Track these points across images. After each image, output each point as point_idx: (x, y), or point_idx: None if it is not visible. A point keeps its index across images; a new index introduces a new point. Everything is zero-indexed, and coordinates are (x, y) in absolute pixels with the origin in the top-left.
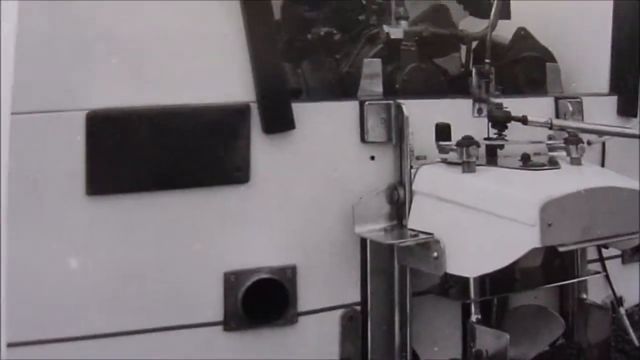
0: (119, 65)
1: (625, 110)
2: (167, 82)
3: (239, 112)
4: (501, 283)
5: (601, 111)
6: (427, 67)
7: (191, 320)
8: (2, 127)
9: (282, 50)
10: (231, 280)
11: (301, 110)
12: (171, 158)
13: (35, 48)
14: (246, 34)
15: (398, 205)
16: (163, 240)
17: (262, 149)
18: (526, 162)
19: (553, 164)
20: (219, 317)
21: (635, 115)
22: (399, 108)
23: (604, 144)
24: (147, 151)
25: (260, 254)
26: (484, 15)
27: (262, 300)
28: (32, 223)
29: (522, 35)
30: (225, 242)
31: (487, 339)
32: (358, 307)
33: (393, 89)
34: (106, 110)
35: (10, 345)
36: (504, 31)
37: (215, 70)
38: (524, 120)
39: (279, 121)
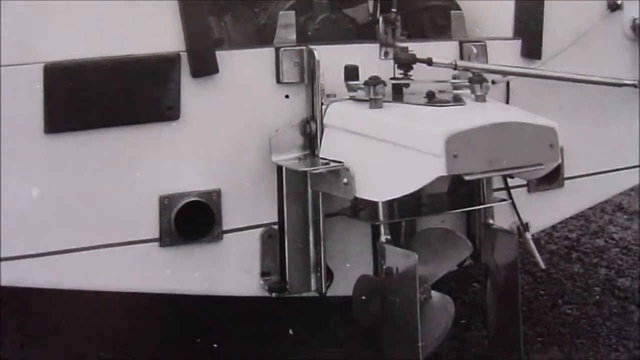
0: (69, 23)
1: (529, 52)
2: (112, 36)
3: (170, 60)
4: (409, 207)
5: (506, 54)
6: (337, 16)
7: (132, 237)
8: None
9: (208, 6)
10: (165, 202)
11: (224, 57)
12: (115, 101)
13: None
14: None
15: (310, 138)
16: (108, 169)
17: (190, 90)
18: (431, 99)
19: (457, 100)
20: (156, 234)
21: (539, 57)
22: (310, 53)
23: (508, 83)
24: (94, 95)
25: (190, 180)
26: None
27: (192, 219)
28: None
29: None
30: (160, 170)
31: (397, 258)
32: (276, 227)
33: (306, 37)
34: (59, 62)
35: None
36: None
37: (151, 24)
38: (428, 62)
39: (204, 67)
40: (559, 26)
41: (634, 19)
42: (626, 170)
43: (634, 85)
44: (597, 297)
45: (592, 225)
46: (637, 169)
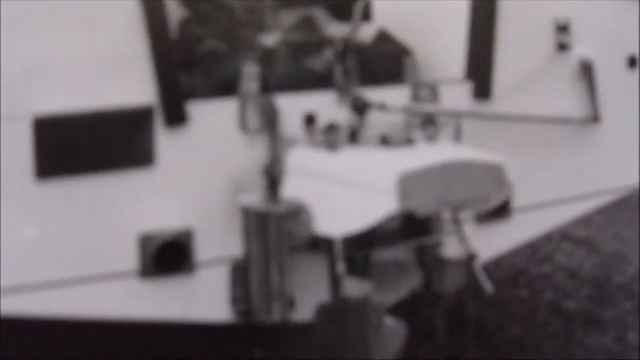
0: (56, 78)
1: (480, 93)
2: (93, 91)
3: (145, 112)
4: (365, 241)
5: (457, 95)
6: (297, 68)
7: (114, 271)
8: None
9: (179, 62)
10: (144, 240)
11: (194, 108)
12: (96, 149)
13: None
14: (150, 52)
15: (273, 180)
16: (92, 211)
17: (164, 139)
18: (385, 141)
19: (410, 142)
20: (136, 268)
21: (489, 97)
22: (272, 102)
23: (458, 123)
24: (78, 145)
25: (166, 220)
26: (347, 19)
27: (169, 254)
28: None
29: (383, 35)
30: (139, 211)
31: (352, 287)
32: (243, 260)
33: (268, 88)
34: (48, 114)
35: None
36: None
37: (128, 79)
38: (382, 107)
39: (176, 117)
40: (509, 67)
41: (582, 59)
42: (571, 201)
43: (581, 122)
44: (543, 319)
45: (540, 253)
46: (583, 200)
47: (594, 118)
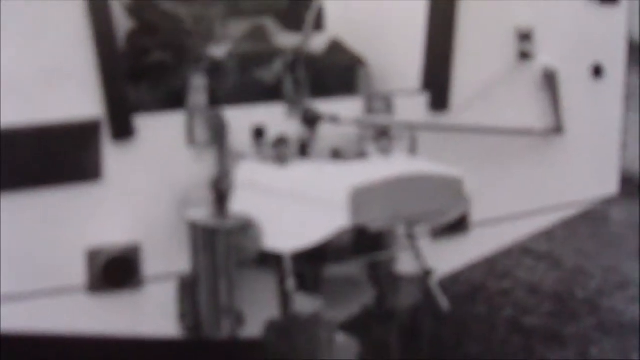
0: (1, 95)
1: (437, 104)
2: (39, 104)
3: (92, 125)
4: (315, 256)
5: (413, 107)
6: (246, 79)
7: (64, 286)
8: None
9: (126, 74)
10: (92, 254)
11: (141, 120)
12: (43, 162)
13: None
14: (96, 63)
15: (221, 195)
16: (40, 226)
17: (111, 152)
18: (336, 155)
19: (362, 155)
20: (84, 283)
21: (446, 108)
22: (219, 115)
23: (413, 136)
24: (25, 158)
25: (113, 234)
26: (299, 29)
27: (117, 269)
28: None
29: (335, 45)
30: (87, 225)
31: (303, 303)
32: (191, 275)
33: (216, 100)
34: None
35: None
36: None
37: (74, 92)
38: (333, 119)
39: (122, 130)
40: (468, 76)
41: (545, 68)
42: (532, 215)
43: (543, 133)
44: (502, 335)
45: (498, 268)
46: (543, 212)
47: (557, 129)
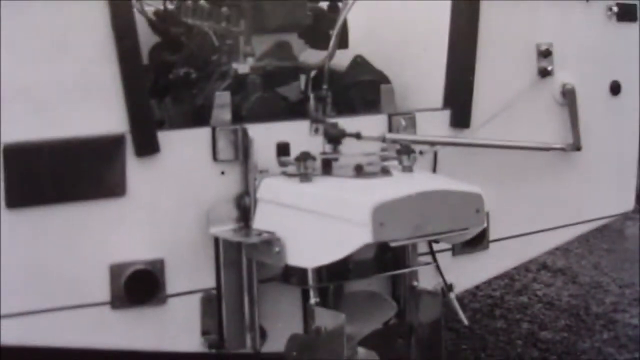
0: (24, 107)
1: (458, 121)
2: (64, 119)
3: (116, 141)
4: (337, 272)
5: (435, 124)
6: (270, 96)
7: (86, 301)
8: None
9: (150, 89)
10: (115, 270)
11: (165, 136)
12: (67, 178)
13: None
14: (121, 79)
15: (245, 210)
16: (64, 241)
17: (134, 168)
18: (359, 171)
19: (385, 172)
20: (108, 298)
21: (467, 126)
22: (244, 132)
23: (435, 153)
24: (49, 174)
25: (137, 250)
26: (323, 47)
27: (140, 285)
28: None
29: (358, 62)
30: (110, 241)
31: (325, 318)
32: (214, 291)
33: (240, 116)
34: (17, 143)
35: None
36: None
37: (98, 107)
38: (357, 136)
39: (147, 146)
40: (489, 94)
41: (564, 85)
42: (550, 231)
43: (561, 149)
44: (519, 349)
45: (516, 284)
46: (561, 229)
47: (576, 146)
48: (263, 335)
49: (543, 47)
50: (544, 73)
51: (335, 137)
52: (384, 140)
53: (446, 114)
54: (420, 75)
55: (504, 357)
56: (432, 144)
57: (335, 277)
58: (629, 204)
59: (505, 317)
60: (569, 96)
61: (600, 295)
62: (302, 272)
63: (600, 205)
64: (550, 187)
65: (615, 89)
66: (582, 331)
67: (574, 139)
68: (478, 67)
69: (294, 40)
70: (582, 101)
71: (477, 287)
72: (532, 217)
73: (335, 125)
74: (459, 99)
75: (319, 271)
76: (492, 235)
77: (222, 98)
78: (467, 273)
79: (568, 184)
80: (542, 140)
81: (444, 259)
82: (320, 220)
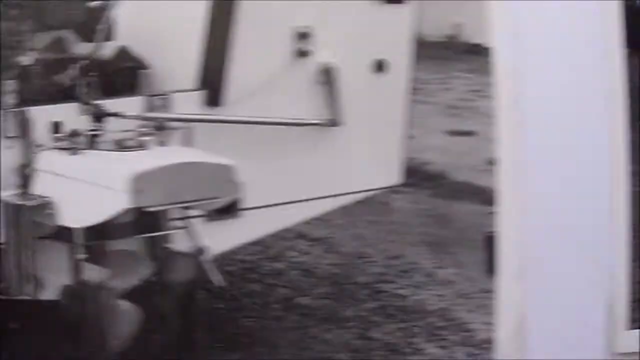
0: None
1: (211, 101)
2: None
3: None
4: (101, 232)
5: (189, 104)
6: (48, 82)
7: None
8: None
9: None
10: None
11: None
12: None
13: None
14: None
15: (26, 179)
16: None
17: None
18: (120, 145)
19: (143, 146)
20: None
21: (219, 105)
22: (25, 113)
23: (189, 130)
24: None
25: None
26: (92, 40)
27: None
28: None
29: (122, 52)
30: None
31: (91, 272)
32: (1, 245)
33: (24, 100)
34: None
35: None
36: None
37: None
38: (116, 114)
39: None
40: (245, 75)
41: (323, 64)
42: (306, 202)
43: (317, 125)
44: (277, 313)
45: (271, 251)
46: (318, 200)
47: (334, 121)
48: (40, 284)
49: (301, 30)
50: (302, 54)
51: (99, 116)
52: (140, 118)
53: (200, 95)
54: (177, 60)
55: (261, 319)
56: (184, 121)
57: (99, 236)
58: (393, 178)
59: (260, 281)
60: (326, 75)
61: (364, 266)
62: (71, 231)
63: (363, 179)
64: (309, 160)
65: (379, 67)
66: (346, 299)
67: (332, 115)
68: (235, 50)
69: (69, 36)
70: (343, 80)
71: (233, 252)
72: (287, 189)
73: (99, 106)
74: (211, 80)
75: (86, 230)
76: (248, 204)
77: (9, 86)
78: (221, 238)
79: (328, 158)
80: (303, 116)
81: (198, 224)
82: (86, 187)
